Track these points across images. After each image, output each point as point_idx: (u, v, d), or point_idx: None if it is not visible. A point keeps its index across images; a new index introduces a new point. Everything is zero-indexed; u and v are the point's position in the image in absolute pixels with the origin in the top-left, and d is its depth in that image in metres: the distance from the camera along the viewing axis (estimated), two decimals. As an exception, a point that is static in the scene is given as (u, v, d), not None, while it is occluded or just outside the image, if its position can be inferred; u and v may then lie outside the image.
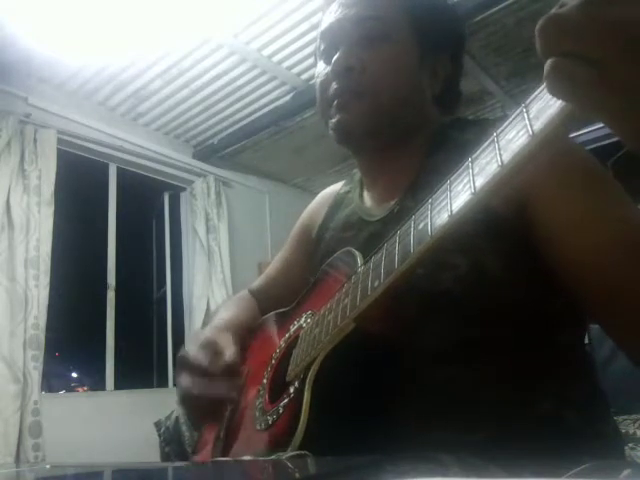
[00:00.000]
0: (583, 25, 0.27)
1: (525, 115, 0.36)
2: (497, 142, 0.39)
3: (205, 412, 0.70)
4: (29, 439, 2.38)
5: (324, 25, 0.76)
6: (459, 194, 0.42)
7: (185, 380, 0.69)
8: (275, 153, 3.65)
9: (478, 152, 0.42)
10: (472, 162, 0.42)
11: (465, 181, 0.42)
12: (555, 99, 0.32)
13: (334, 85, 0.72)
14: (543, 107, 0.34)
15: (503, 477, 0.47)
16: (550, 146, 0.34)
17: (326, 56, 0.75)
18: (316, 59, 0.80)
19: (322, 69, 0.76)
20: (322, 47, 0.77)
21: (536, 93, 0.35)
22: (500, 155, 0.38)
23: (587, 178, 0.59)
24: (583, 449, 0.54)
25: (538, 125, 0.34)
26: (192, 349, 0.72)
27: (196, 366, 0.69)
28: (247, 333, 0.84)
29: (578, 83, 0.28)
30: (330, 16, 0.75)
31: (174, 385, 3.28)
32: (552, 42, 0.28)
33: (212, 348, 0.71)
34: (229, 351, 0.70)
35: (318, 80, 0.76)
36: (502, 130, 0.39)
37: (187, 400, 0.68)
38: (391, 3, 0.73)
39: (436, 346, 0.58)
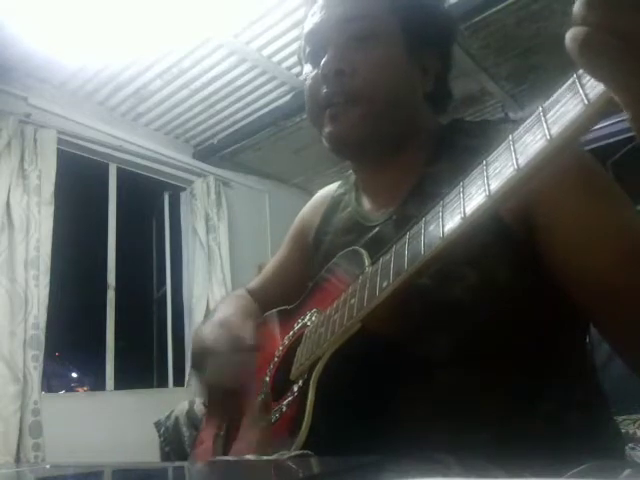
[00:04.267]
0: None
1: (542, 119, 0.35)
2: (513, 146, 0.39)
3: (232, 394, 0.68)
4: (29, 439, 2.38)
5: (308, 27, 0.74)
6: (473, 197, 0.42)
7: (211, 364, 0.67)
8: (275, 153, 3.65)
9: (493, 155, 0.42)
10: (487, 165, 0.42)
11: (479, 184, 0.41)
12: (574, 104, 0.32)
13: (324, 89, 0.70)
14: (562, 111, 0.34)
15: (504, 477, 0.47)
16: (566, 150, 0.34)
17: (313, 59, 0.73)
18: (301, 62, 0.78)
19: (309, 72, 0.74)
20: (307, 49, 0.75)
21: (553, 97, 0.35)
22: (516, 159, 0.37)
23: (591, 185, 0.59)
24: (583, 449, 0.54)
25: (556, 129, 0.34)
26: (207, 333, 0.71)
27: (221, 347, 0.68)
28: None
29: (611, 56, 0.27)
30: (314, 17, 0.73)
31: (174, 385, 3.30)
32: (594, 11, 0.27)
33: (228, 327, 0.71)
34: (247, 328, 0.69)
35: (306, 84, 0.74)
36: (518, 134, 0.39)
37: (215, 383, 0.67)
38: (376, 1, 0.71)
39: (440, 348, 0.58)
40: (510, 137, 0.39)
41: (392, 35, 0.70)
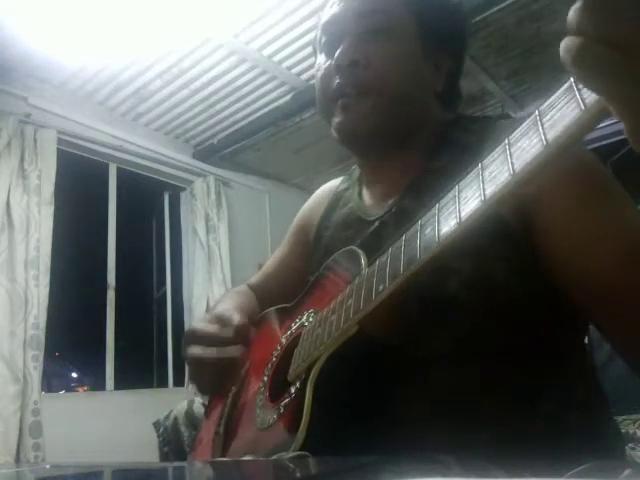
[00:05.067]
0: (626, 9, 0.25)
1: (539, 123, 0.35)
2: (509, 150, 0.38)
3: (217, 377, 0.71)
4: (29, 439, 2.38)
5: (326, 17, 0.74)
6: (468, 201, 0.42)
7: (195, 348, 0.69)
8: (275, 153, 3.65)
9: (489, 159, 0.41)
10: (482, 169, 0.42)
11: (475, 188, 0.41)
12: (571, 108, 0.32)
13: (337, 80, 0.70)
14: (558, 116, 0.33)
15: (503, 477, 0.47)
16: (563, 155, 0.34)
17: (328, 49, 0.74)
18: (315, 52, 0.79)
19: (323, 62, 0.74)
20: (323, 40, 0.75)
21: (550, 100, 0.34)
22: (512, 164, 0.37)
23: (592, 184, 0.58)
24: (583, 449, 0.54)
25: (552, 134, 0.33)
26: (199, 324, 0.73)
27: (206, 335, 0.70)
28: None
29: (606, 68, 0.26)
30: (333, 8, 0.74)
31: (174, 385, 3.30)
32: (590, 21, 0.26)
33: (219, 319, 0.72)
34: (237, 318, 0.70)
35: (319, 74, 0.75)
36: (514, 138, 0.38)
37: (198, 367, 0.68)
38: None
39: (438, 349, 0.58)
40: (506, 140, 0.39)
41: (408, 31, 0.71)
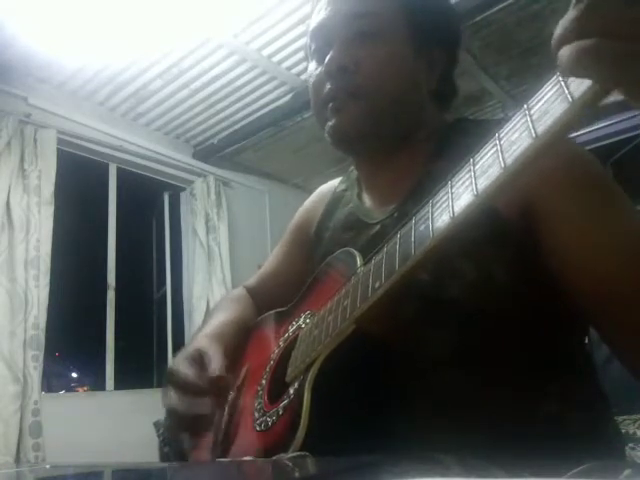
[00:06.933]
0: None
1: (528, 117, 0.36)
2: (499, 144, 0.39)
3: (189, 428, 0.67)
4: (29, 439, 2.38)
5: (314, 23, 0.74)
6: (461, 195, 0.42)
7: (170, 397, 0.66)
8: (275, 153, 3.65)
9: (480, 153, 0.42)
10: (474, 163, 0.42)
11: (467, 183, 0.42)
12: (558, 101, 0.32)
13: (328, 86, 0.70)
14: (546, 109, 0.34)
15: (503, 477, 0.47)
16: (553, 148, 0.34)
17: (318, 55, 0.73)
18: (307, 59, 0.78)
19: (314, 69, 0.74)
20: (313, 46, 0.74)
21: (538, 95, 0.35)
22: (503, 157, 0.38)
23: (589, 183, 0.58)
24: (584, 449, 0.54)
25: (541, 127, 0.34)
26: (180, 362, 0.69)
27: (181, 382, 0.66)
28: (242, 335, 0.83)
29: (623, 62, 0.26)
30: (320, 14, 0.73)
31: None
32: (595, 20, 0.26)
33: (199, 361, 0.68)
34: (216, 365, 0.66)
35: (311, 81, 0.74)
36: (504, 131, 0.39)
37: (172, 417, 0.66)
38: None
39: (437, 347, 0.58)
40: (496, 135, 0.39)
41: (398, 31, 0.70)
